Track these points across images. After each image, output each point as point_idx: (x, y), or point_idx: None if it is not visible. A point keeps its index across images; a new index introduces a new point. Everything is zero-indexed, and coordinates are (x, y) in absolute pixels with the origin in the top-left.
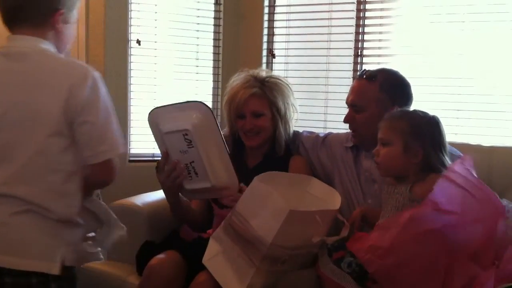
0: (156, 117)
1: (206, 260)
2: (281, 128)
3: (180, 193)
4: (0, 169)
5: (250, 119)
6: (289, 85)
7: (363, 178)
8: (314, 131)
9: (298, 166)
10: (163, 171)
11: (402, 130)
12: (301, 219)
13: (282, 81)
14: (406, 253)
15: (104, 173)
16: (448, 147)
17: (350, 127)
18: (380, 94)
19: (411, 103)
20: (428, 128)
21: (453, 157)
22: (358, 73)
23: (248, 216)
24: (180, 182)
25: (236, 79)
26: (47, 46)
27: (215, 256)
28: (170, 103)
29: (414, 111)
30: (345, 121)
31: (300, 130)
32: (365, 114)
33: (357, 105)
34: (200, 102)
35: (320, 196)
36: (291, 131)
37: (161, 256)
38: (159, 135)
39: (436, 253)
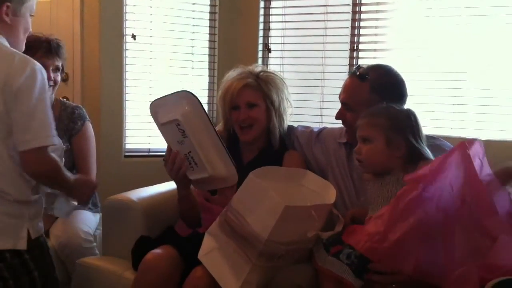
0: (154, 109)
1: (201, 255)
2: (275, 121)
3: (193, 186)
4: None
5: (244, 109)
6: (283, 79)
7: (356, 175)
8: (309, 126)
9: (293, 161)
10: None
11: (383, 126)
12: (296, 214)
13: (276, 75)
14: (401, 228)
15: (33, 163)
16: (440, 140)
17: (343, 124)
18: (371, 95)
19: (404, 101)
20: (407, 120)
21: (443, 151)
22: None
23: (244, 212)
24: (183, 173)
25: (231, 74)
26: None
27: (211, 251)
28: (167, 94)
29: (390, 106)
30: (337, 118)
31: (296, 124)
32: (355, 114)
33: (347, 104)
34: (187, 91)
35: (315, 189)
36: (286, 125)
37: (156, 251)
38: (159, 127)
39: (427, 220)
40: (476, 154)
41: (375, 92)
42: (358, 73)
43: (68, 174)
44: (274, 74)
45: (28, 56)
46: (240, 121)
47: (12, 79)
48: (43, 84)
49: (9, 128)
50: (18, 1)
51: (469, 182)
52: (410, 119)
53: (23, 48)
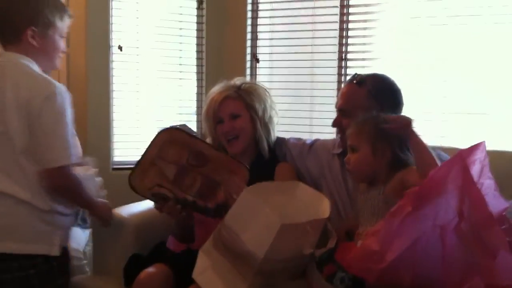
0: None
1: (196, 275)
2: (260, 130)
3: None
4: None
5: (228, 121)
6: (267, 89)
7: (351, 185)
8: (300, 137)
9: (284, 173)
10: None
11: (368, 133)
12: (292, 231)
13: (258, 85)
14: (397, 247)
15: (54, 179)
16: (437, 152)
17: (338, 132)
18: (368, 100)
19: (400, 110)
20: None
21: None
22: (343, 77)
23: (238, 230)
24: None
25: (213, 89)
26: (25, 60)
27: (205, 271)
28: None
29: (377, 114)
30: (333, 125)
31: (286, 134)
32: (351, 120)
33: (344, 110)
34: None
35: (308, 202)
36: (274, 134)
37: (149, 269)
38: None
39: (425, 238)
40: (478, 158)
41: (372, 98)
42: (355, 80)
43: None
44: (255, 84)
45: (50, 79)
46: (225, 133)
47: (34, 101)
48: (63, 106)
49: (31, 146)
50: (44, 25)
51: (467, 194)
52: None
53: (56, 66)
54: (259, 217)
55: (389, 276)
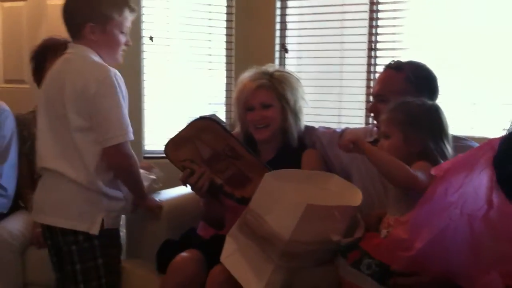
0: None
1: (223, 258)
2: (290, 120)
3: None
4: (44, 148)
5: (259, 110)
6: (298, 78)
7: None
8: (329, 126)
9: (310, 159)
10: None
11: (400, 121)
12: (319, 214)
13: (291, 74)
14: (426, 235)
15: (112, 156)
16: (469, 141)
17: (375, 118)
18: (406, 84)
19: (436, 96)
20: (425, 116)
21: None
22: (372, 67)
23: (263, 213)
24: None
25: (244, 75)
26: (88, 52)
27: (232, 254)
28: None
29: (412, 100)
30: (369, 111)
31: (314, 125)
32: (389, 104)
33: (382, 95)
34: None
35: (339, 191)
36: (302, 124)
37: (183, 254)
38: None
39: (453, 226)
40: None
41: (410, 82)
42: (393, 65)
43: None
44: (288, 73)
45: (104, 64)
46: (255, 121)
47: (89, 84)
48: (115, 87)
49: (91, 128)
50: (101, 20)
51: (496, 184)
52: (429, 114)
53: (118, 60)
54: (284, 198)
55: (416, 263)
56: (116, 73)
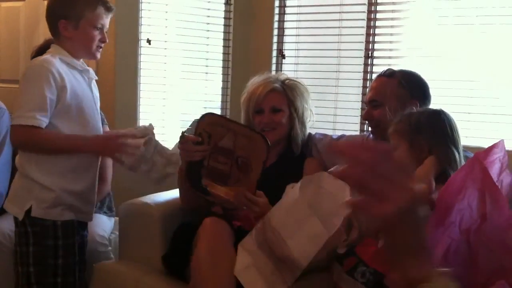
0: None
1: (238, 270)
2: (297, 128)
3: None
4: None
5: (268, 114)
6: (307, 89)
7: None
8: (325, 133)
9: (313, 168)
10: None
11: (404, 130)
12: (332, 237)
13: (302, 84)
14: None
15: (12, 136)
16: (468, 153)
17: (370, 124)
18: (399, 89)
19: (429, 102)
20: (427, 121)
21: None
22: (369, 74)
23: (285, 235)
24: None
25: (256, 78)
26: (56, 53)
27: (248, 268)
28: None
29: (416, 110)
30: (364, 118)
31: (310, 131)
32: (383, 109)
33: (375, 101)
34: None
35: (333, 192)
36: (307, 132)
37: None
38: None
39: (454, 245)
40: (497, 157)
41: (403, 87)
42: (385, 73)
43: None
44: (299, 82)
45: (39, 59)
46: (263, 124)
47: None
48: (37, 77)
49: None
50: (74, 17)
51: (488, 196)
52: (431, 118)
53: (94, 56)
54: (307, 224)
55: None
56: (49, 67)
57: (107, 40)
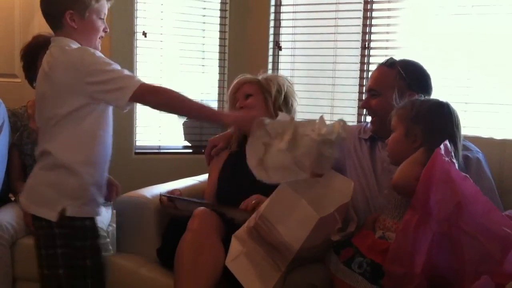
0: None
1: (229, 261)
2: (272, 112)
3: None
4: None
5: (242, 101)
6: (288, 79)
7: (380, 168)
8: None
9: None
10: None
11: (404, 116)
12: (325, 221)
13: (280, 76)
14: (420, 258)
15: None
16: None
17: (369, 113)
18: (398, 80)
19: (429, 94)
20: (428, 112)
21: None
22: (366, 65)
23: (275, 221)
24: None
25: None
26: (66, 42)
27: (238, 256)
28: None
29: (420, 98)
30: (362, 107)
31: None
32: (380, 99)
33: (374, 90)
34: None
35: (331, 184)
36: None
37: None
38: None
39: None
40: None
41: (402, 78)
42: (386, 62)
43: None
44: (277, 75)
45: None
46: (238, 110)
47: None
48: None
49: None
50: (80, 7)
51: (460, 186)
52: (432, 110)
53: (97, 47)
54: (297, 209)
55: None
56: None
57: (108, 30)
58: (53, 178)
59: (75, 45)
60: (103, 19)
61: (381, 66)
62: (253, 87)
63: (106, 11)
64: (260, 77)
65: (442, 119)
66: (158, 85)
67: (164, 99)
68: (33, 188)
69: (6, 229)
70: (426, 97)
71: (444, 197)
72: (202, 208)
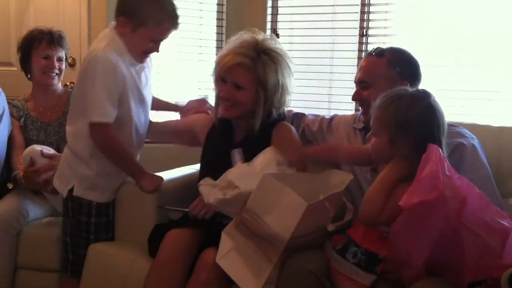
0: None
1: (219, 258)
2: (261, 107)
3: None
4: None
5: (230, 88)
6: (289, 64)
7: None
8: (318, 113)
9: (282, 134)
10: None
11: (389, 123)
12: (314, 209)
13: (283, 57)
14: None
15: (91, 135)
16: (459, 128)
17: (360, 105)
18: (389, 69)
19: (419, 81)
20: (415, 120)
21: (462, 137)
22: (364, 53)
23: (261, 213)
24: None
25: (235, 39)
26: (110, 33)
27: (228, 252)
28: None
29: (405, 99)
30: (353, 98)
31: (304, 110)
32: (372, 90)
33: (365, 81)
34: None
35: (329, 178)
36: (281, 110)
37: (178, 229)
38: None
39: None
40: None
41: (392, 67)
42: (374, 52)
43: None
44: (281, 55)
45: (99, 48)
46: (221, 97)
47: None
48: (94, 71)
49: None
50: (134, 21)
51: (459, 180)
52: (420, 118)
53: (138, 61)
54: (283, 198)
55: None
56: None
57: (158, 51)
58: (71, 159)
59: (113, 41)
60: (158, 41)
61: (370, 56)
62: (247, 77)
63: (165, 37)
64: (260, 56)
65: (432, 124)
66: (113, 135)
67: (106, 147)
68: (60, 165)
69: (15, 218)
70: (409, 89)
71: (451, 193)
72: (175, 231)
